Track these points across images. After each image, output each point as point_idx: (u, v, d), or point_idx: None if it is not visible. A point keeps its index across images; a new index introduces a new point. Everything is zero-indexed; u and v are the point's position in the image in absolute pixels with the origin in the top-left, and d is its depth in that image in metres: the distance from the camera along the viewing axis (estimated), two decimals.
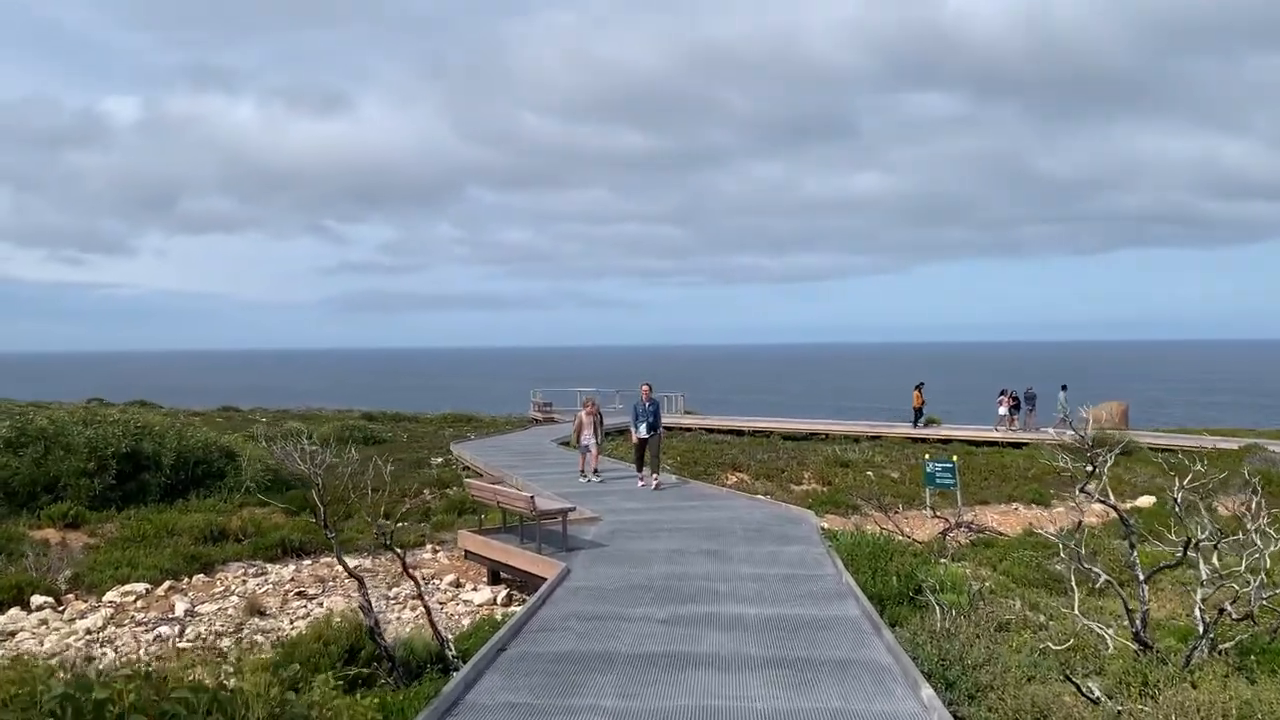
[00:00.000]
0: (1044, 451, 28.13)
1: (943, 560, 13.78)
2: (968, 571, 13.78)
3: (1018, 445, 31.32)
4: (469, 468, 23.66)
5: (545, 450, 26.87)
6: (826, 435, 34.32)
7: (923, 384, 36.36)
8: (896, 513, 19.75)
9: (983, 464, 26.67)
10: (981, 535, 16.20)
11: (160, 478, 17.81)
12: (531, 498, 11.56)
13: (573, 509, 12.33)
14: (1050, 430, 31.04)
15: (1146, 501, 23.41)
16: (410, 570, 8.32)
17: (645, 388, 18.70)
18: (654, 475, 18.28)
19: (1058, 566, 14.56)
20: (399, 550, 8.06)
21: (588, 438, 19.01)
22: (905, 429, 34.99)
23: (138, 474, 17.66)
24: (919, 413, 35.31)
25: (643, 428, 18.12)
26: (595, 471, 19.14)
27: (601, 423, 19.66)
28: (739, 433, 35.28)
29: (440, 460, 25.49)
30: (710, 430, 35.56)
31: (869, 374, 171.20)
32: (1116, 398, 40.40)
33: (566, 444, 28.60)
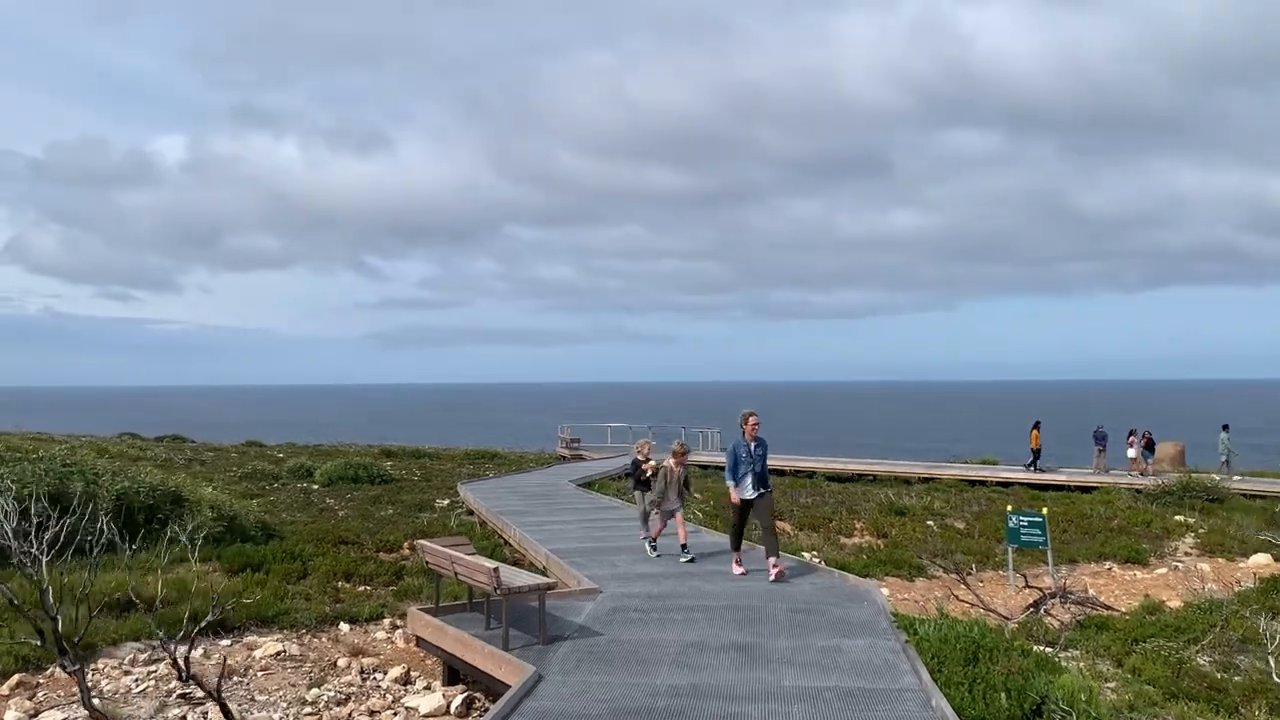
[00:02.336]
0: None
1: (1050, 649, 10.48)
2: (1081, 666, 10.46)
3: (1087, 489, 28.04)
4: (472, 512, 20.76)
5: (561, 492, 23.89)
6: (875, 476, 31.30)
7: (1039, 423, 32.52)
8: (970, 574, 16.43)
9: (1058, 513, 23.12)
10: (1089, 611, 12.76)
11: (92, 526, 14.94)
12: (495, 570, 8.42)
13: (552, 585, 9.13)
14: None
15: (1262, 560, 19.75)
16: (224, 701, 5.25)
17: (752, 420, 11.65)
18: (771, 557, 11.68)
19: (1201, 661, 11.19)
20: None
21: (674, 501, 13.14)
22: (958, 470, 32.02)
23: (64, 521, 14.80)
24: (1037, 454, 31.61)
25: (748, 482, 11.58)
26: (683, 547, 13.12)
27: (689, 481, 13.52)
28: (779, 473, 32.20)
29: (446, 503, 22.64)
30: None
31: (916, 412, 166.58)
32: (1169, 438, 36.91)
33: (587, 485, 25.78)
